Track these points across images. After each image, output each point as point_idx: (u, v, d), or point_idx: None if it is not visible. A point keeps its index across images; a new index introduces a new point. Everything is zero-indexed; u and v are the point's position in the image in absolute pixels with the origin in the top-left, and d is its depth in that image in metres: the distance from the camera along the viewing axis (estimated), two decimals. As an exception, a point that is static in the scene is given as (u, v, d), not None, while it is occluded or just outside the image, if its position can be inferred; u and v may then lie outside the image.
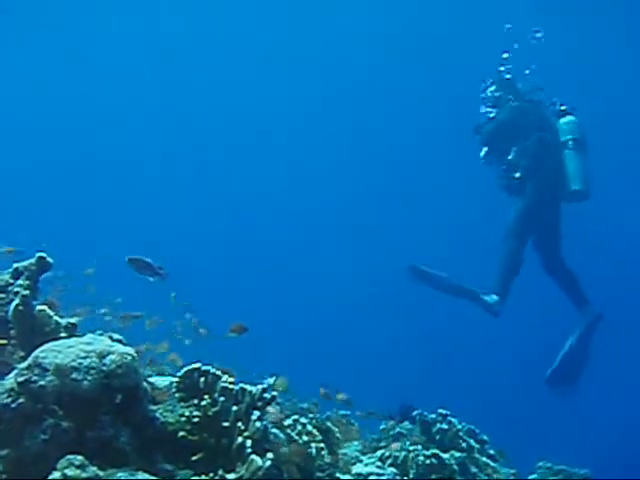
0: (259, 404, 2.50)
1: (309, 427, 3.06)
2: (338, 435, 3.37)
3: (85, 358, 2.25)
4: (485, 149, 6.72)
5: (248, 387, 2.49)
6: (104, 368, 2.26)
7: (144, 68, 15.63)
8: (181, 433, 2.41)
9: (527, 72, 7.31)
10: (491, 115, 6.79)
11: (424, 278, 6.41)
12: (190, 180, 16.50)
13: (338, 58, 14.72)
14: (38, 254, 2.83)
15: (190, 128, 16.55)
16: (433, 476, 3.45)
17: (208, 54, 15.36)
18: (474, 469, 3.84)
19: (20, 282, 2.77)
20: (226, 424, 2.39)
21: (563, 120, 6.54)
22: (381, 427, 4.22)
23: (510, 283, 6.36)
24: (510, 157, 6.55)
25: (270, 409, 2.59)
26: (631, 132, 13.41)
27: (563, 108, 6.63)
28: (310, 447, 2.92)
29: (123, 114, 15.99)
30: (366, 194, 15.68)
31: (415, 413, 4.16)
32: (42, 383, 2.21)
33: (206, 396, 2.47)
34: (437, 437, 4.01)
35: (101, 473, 2.08)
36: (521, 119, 6.59)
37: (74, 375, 2.21)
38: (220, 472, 2.30)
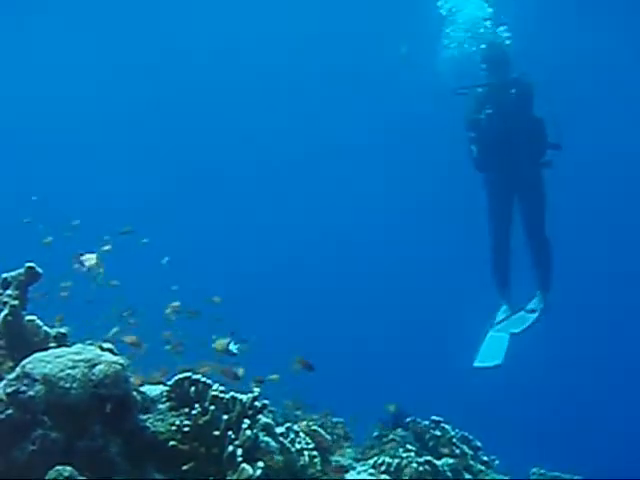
0: (250, 412, 2.49)
1: (302, 435, 3.05)
2: (330, 442, 3.36)
3: (74, 368, 2.24)
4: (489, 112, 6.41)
5: (239, 395, 2.49)
6: (93, 378, 2.25)
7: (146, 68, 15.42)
8: (172, 442, 2.40)
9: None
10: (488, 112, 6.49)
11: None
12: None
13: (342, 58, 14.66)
14: (27, 264, 2.81)
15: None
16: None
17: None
18: (468, 476, 3.83)
19: (9, 292, 2.75)
20: (217, 433, 2.38)
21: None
22: (374, 434, 4.21)
23: (552, 276, 6.49)
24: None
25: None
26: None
27: None
28: (303, 455, 2.91)
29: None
30: (366, 194, 15.63)
31: (408, 420, 4.16)
32: (31, 393, 2.20)
33: (197, 405, 2.46)
34: (430, 444, 4.00)
35: (90, 484, 2.06)
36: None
37: (63, 385, 2.19)
38: (211, 481, 2.29)
